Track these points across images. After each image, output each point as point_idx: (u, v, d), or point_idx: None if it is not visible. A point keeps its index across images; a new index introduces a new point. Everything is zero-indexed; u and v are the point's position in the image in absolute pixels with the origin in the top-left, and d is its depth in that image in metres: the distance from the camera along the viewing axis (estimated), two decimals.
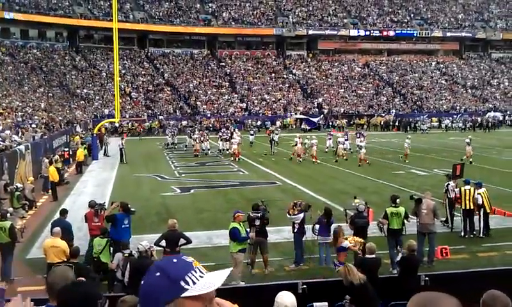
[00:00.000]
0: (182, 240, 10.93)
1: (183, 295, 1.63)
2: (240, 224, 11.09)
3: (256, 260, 11.91)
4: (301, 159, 30.55)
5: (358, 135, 36.49)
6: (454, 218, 15.29)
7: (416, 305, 1.89)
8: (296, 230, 12.32)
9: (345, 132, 36.40)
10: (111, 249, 11.12)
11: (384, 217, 12.27)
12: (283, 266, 12.33)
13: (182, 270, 1.67)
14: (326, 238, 12.24)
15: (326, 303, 7.60)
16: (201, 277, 1.67)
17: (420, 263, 9.30)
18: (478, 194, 14.47)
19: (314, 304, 7.59)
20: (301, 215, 12.35)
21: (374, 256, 9.13)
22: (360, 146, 30.77)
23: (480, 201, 14.38)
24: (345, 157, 30.98)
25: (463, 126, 58.45)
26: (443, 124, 60.05)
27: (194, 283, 1.65)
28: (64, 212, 12.46)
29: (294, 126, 58.55)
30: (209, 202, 19.74)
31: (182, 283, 1.64)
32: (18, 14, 61.30)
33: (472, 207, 14.49)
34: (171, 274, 1.65)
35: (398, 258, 9.34)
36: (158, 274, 1.66)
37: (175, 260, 1.71)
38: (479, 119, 60.98)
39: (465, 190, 14.63)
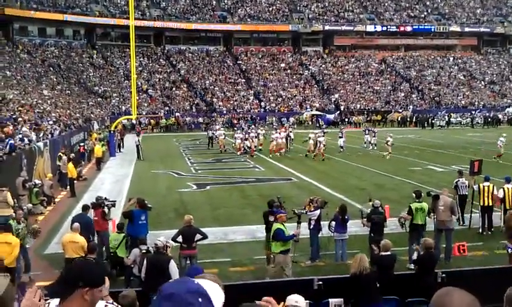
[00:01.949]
0: (198, 236, 10.97)
1: None
2: (283, 225, 10.86)
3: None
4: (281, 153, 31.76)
5: (367, 132, 36.31)
6: (472, 215, 15.10)
7: (435, 296, 2.01)
8: (312, 226, 12.30)
9: (340, 129, 35.94)
10: (128, 244, 11.20)
11: (408, 212, 12.20)
12: (299, 262, 12.31)
13: (206, 289, 1.76)
14: (342, 235, 12.22)
15: (342, 299, 7.60)
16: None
17: (437, 261, 9.22)
18: (502, 188, 14.34)
19: (330, 300, 7.59)
20: (318, 211, 12.32)
21: (389, 253, 9.09)
22: (319, 141, 30.29)
23: (501, 195, 14.22)
24: (322, 157, 29.79)
25: (469, 123, 57.69)
26: (440, 121, 58.54)
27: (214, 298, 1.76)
28: (86, 208, 12.46)
29: (310, 123, 58.39)
30: (225, 198, 19.79)
31: (213, 301, 1.75)
32: (36, 12, 61.94)
33: (490, 204, 14.33)
34: (208, 295, 1.73)
35: (415, 257, 9.28)
36: (200, 299, 1.70)
37: (196, 281, 1.78)
38: (493, 114, 60.27)
39: (484, 186, 14.47)
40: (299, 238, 11.25)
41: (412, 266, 10.20)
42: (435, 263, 9.02)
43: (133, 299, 6.19)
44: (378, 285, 8.04)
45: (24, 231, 11.49)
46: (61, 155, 23.70)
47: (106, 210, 12.65)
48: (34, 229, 11.97)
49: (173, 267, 8.78)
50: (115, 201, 13.67)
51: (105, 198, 13.31)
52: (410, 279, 8.86)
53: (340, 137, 33.59)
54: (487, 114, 61.44)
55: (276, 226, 10.79)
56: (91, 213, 12.67)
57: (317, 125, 55.61)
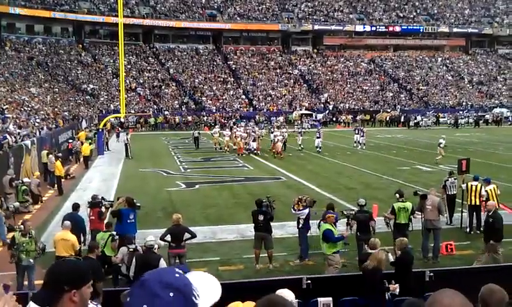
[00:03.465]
0: (187, 235, 10.95)
1: None
2: (332, 225, 10.70)
3: (261, 255, 11.91)
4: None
5: (357, 131, 36.40)
6: (463, 214, 15.13)
7: (429, 298, 1.99)
8: (300, 225, 12.32)
9: (318, 129, 35.90)
10: (116, 243, 11.15)
11: (391, 212, 12.22)
12: (288, 261, 12.34)
13: (189, 285, 1.66)
14: None
15: (331, 298, 7.62)
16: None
17: (413, 260, 9.22)
18: (486, 190, 14.38)
19: (318, 299, 7.61)
20: (306, 210, 12.32)
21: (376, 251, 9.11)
22: (279, 140, 31.01)
23: (484, 198, 14.27)
24: (280, 155, 30.32)
25: (451, 123, 58.02)
26: (420, 121, 58.44)
27: (199, 296, 1.66)
28: (76, 207, 12.40)
29: (300, 122, 58.42)
30: (214, 197, 19.77)
31: (193, 299, 1.64)
32: (24, 9, 61.43)
33: (478, 203, 14.41)
34: (185, 292, 1.64)
35: (392, 259, 9.24)
36: (172, 294, 1.61)
37: (177, 275, 1.68)
38: (479, 114, 60.75)
39: (472, 185, 14.52)
40: (347, 240, 11.24)
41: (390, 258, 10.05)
42: (412, 262, 9.05)
43: None
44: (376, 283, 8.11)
45: (29, 246, 10.34)
46: (48, 152, 23.54)
47: (103, 209, 12.65)
48: (42, 245, 11.01)
49: (163, 266, 8.76)
50: (113, 201, 13.63)
51: (103, 198, 13.32)
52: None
53: (318, 138, 33.48)
54: (474, 114, 61.82)
55: (325, 226, 10.66)
56: (83, 212, 12.63)
57: (308, 123, 55.72)
